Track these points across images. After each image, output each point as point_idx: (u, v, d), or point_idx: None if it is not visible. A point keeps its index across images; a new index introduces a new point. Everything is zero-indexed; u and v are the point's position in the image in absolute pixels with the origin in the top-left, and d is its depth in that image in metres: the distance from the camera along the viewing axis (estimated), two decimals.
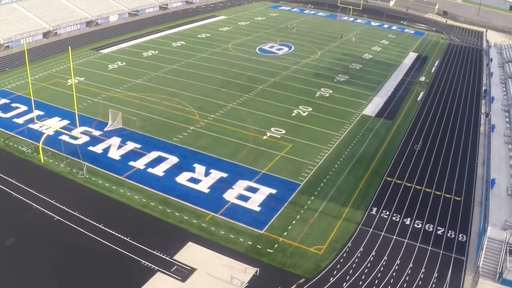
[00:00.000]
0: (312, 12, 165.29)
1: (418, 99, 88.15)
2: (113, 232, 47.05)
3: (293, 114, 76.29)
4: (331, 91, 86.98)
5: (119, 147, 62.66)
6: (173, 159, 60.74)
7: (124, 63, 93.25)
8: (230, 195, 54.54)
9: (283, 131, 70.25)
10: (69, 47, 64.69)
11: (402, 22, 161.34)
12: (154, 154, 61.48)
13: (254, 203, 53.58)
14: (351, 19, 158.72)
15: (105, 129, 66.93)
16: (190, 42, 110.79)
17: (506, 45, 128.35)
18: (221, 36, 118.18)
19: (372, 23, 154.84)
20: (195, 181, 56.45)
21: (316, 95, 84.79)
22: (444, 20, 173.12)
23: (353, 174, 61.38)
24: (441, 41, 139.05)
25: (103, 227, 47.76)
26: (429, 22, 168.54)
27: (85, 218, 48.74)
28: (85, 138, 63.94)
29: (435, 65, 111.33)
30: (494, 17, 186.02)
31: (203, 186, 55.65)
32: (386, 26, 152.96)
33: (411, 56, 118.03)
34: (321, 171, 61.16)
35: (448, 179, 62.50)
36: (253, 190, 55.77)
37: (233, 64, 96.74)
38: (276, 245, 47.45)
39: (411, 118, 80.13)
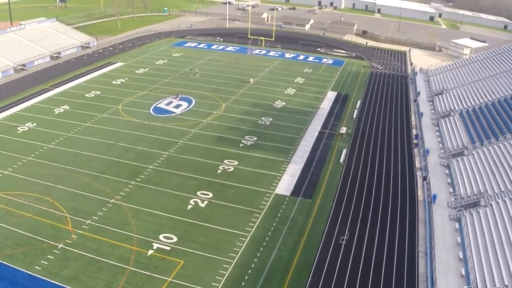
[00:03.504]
0: (221, 47, 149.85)
1: (341, 160, 73.95)
2: None
3: (189, 207, 61.01)
4: (236, 163, 71.75)
5: None
6: None
7: None
8: None
9: (175, 239, 55.02)
10: None
11: (319, 49, 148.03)
12: None
13: None
14: (263, 52, 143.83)
15: None
16: (75, 105, 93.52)
17: (433, 71, 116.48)
18: (112, 93, 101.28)
19: (287, 55, 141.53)
20: None
21: (219, 171, 69.55)
22: (364, 42, 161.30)
23: None
24: (362, 70, 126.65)
25: None
26: (348, 46, 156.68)
27: None
28: None
29: (357, 107, 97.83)
30: (415, 31, 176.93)
31: None
32: (302, 57, 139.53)
33: (330, 97, 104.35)
34: None
35: None
36: None
37: (121, 134, 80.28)
38: None
39: (335, 190, 66.04)
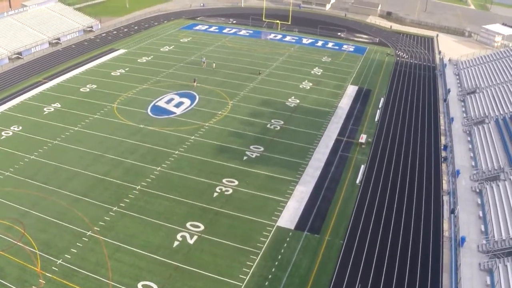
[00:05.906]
0: (233, 31, 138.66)
1: (357, 181, 63.62)
2: None
3: (176, 244, 52.02)
4: (236, 183, 62.37)
5: None
6: None
7: None
8: None
9: None
10: None
11: (339, 34, 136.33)
12: None
13: None
14: (279, 36, 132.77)
15: None
16: (67, 103, 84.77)
17: (464, 63, 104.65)
18: (109, 87, 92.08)
19: (304, 40, 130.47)
20: None
21: (215, 195, 60.21)
22: (389, 25, 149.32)
23: None
24: (386, 59, 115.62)
25: None
26: (371, 30, 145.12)
27: None
28: None
29: (380, 106, 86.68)
30: (443, 12, 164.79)
31: None
32: (320, 43, 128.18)
33: (350, 92, 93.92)
34: None
35: None
36: None
37: (111, 142, 71.66)
38: None
39: (347, 222, 56.47)
